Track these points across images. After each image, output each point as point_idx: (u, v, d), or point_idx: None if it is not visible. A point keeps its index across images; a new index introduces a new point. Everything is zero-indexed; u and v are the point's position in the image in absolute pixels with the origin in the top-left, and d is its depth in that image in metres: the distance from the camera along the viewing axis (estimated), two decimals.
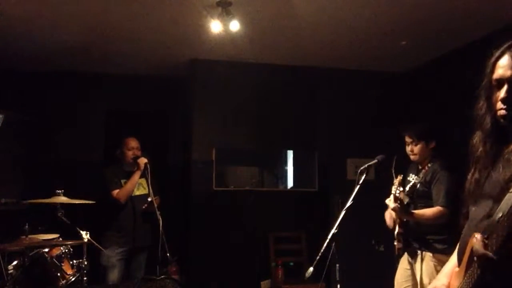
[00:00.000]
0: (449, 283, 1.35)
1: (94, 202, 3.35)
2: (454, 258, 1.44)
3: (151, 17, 3.89)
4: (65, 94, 5.41)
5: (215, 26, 3.65)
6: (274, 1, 3.59)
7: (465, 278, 1.21)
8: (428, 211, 2.98)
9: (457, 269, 1.32)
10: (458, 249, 1.38)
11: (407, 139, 3.20)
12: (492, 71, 1.31)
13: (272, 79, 5.17)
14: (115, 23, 4.05)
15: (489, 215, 1.16)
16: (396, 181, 3.05)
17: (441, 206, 2.93)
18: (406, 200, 3.08)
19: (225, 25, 3.62)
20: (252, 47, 4.54)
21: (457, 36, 4.26)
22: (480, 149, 1.35)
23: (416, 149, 3.14)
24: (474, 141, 1.37)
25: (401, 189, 3.03)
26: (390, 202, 3.00)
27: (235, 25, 3.65)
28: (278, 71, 5.19)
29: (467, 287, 1.19)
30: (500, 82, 1.27)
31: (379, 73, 5.38)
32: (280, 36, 4.35)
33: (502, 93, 1.26)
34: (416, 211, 3.01)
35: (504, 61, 1.28)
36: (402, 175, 3.09)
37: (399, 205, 2.94)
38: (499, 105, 1.27)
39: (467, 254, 1.21)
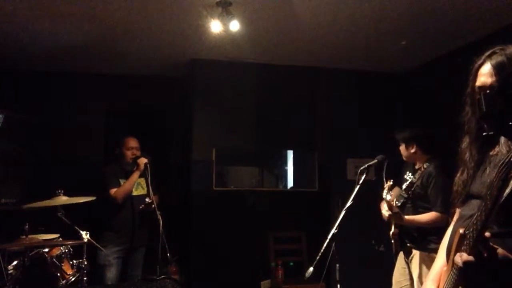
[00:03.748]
0: (438, 285, 1.38)
1: (94, 197, 3.34)
2: (438, 260, 1.47)
3: (151, 17, 3.89)
4: (65, 94, 5.41)
5: (215, 26, 3.65)
6: (274, 1, 3.59)
7: (452, 271, 1.24)
8: (424, 217, 3.01)
9: (445, 268, 1.35)
10: (446, 247, 1.41)
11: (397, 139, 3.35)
12: (474, 79, 1.36)
13: (272, 79, 5.17)
14: (115, 23, 4.04)
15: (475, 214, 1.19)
16: (386, 186, 3.08)
17: (438, 211, 2.95)
18: (401, 200, 3.11)
19: (225, 25, 3.61)
20: (252, 47, 4.54)
21: (457, 36, 4.26)
22: (467, 153, 1.41)
23: (401, 149, 3.30)
24: (463, 145, 1.44)
25: (392, 193, 3.07)
26: (384, 211, 3.06)
27: (235, 25, 3.64)
28: (278, 71, 5.19)
29: (454, 278, 1.23)
30: (482, 90, 1.32)
31: (379, 73, 5.38)
32: (280, 36, 4.35)
33: None
34: (412, 217, 3.04)
35: (485, 69, 1.33)
36: (392, 180, 3.12)
37: (393, 214, 2.98)
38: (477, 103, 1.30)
39: (454, 250, 1.24)
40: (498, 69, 1.29)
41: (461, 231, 1.19)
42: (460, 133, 1.45)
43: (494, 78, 1.29)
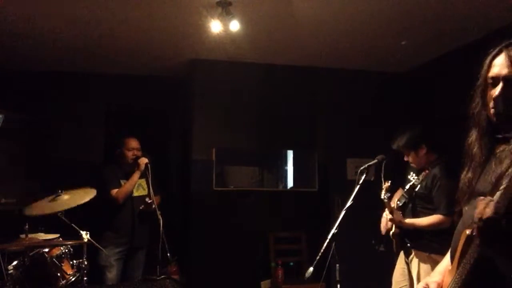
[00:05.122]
0: (442, 281, 1.35)
1: (94, 190, 3.32)
2: (448, 256, 1.44)
3: (151, 17, 3.89)
4: (65, 94, 5.41)
5: (215, 26, 3.65)
6: (274, 1, 3.59)
7: (457, 272, 1.21)
8: (425, 220, 2.99)
9: (450, 267, 1.32)
10: (451, 246, 1.38)
11: (401, 150, 3.20)
12: (488, 69, 1.31)
13: (272, 79, 5.17)
14: (115, 23, 4.04)
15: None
16: (384, 187, 3.07)
17: (442, 214, 2.93)
18: (403, 201, 3.11)
19: (225, 25, 3.61)
20: (252, 47, 4.54)
21: (457, 36, 4.26)
22: (475, 148, 1.35)
23: (410, 158, 3.15)
24: (470, 140, 1.38)
25: (389, 195, 3.05)
26: (384, 214, 3.06)
27: (235, 25, 3.65)
28: (278, 71, 5.19)
29: (460, 280, 1.19)
30: (495, 80, 1.28)
31: (379, 73, 5.38)
32: (280, 36, 4.35)
33: (496, 91, 1.26)
34: (412, 221, 3.03)
35: (500, 59, 1.28)
36: (390, 181, 3.09)
37: (393, 218, 2.98)
38: (493, 103, 1.27)
39: (459, 251, 1.21)
40: None
41: (467, 232, 1.16)
42: (467, 126, 1.39)
43: (510, 69, 1.24)
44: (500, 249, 1.08)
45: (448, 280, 1.28)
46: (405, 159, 3.21)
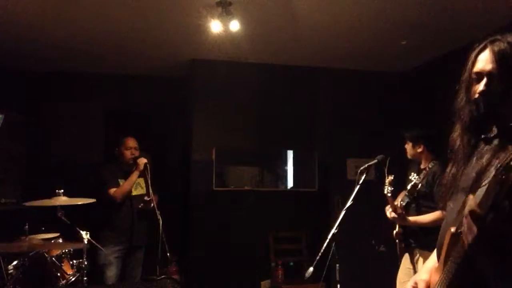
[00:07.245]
0: (430, 278, 1.34)
1: (95, 200, 3.34)
2: (435, 252, 1.42)
3: (150, 17, 3.89)
4: (65, 94, 5.41)
5: (215, 26, 3.65)
6: (274, 1, 3.59)
7: (444, 271, 1.19)
8: (428, 217, 3.00)
9: (436, 264, 1.31)
10: (437, 244, 1.36)
11: (405, 138, 3.37)
12: (473, 65, 1.31)
13: (272, 79, 5.17)
14: (115, 23, 4.05)
15: (463, 209, 1.14)
16: (387, 181, 3.09)
17: (444, 210, 2.95)
18: (406, 200, 3.11)
19: (225, 25, 3.61)
20: (252, 47, 4.54)
21: (457, 36, 4.25)
22: (458, 143, 1.34)
23: (407, 148, 3.31)
24: (454, 135, 1.37)
25: (392, 188, 3.08)
26: (388, 212, 3.07)
27: (235, 25, 3.65)
28: (278, 71, 5.20)
29: (446, 280, 1.18)
30: (479, 76, 1.27)
31: (379, 73, 5.38)
32: (280, 36, 4.35)
33: (480, 86, 1.26)
34: (415, 218, 3.04)
35: (484, 55, 1.28)
36: (393, 175, 3.12)
37: (397, 216, 2.99)
38: (476, 99, 1.26)
39: (445, 250, 1.20)
40: (499, 56, 1.23)
41: (452, 229, 1.14)
42: (453, 122, 1.39)
43: (494, 65, 1.24)
44: (484, 248, 1.06)
45: (435, 278, 1.26)
46: (406, 145, 3.34)
